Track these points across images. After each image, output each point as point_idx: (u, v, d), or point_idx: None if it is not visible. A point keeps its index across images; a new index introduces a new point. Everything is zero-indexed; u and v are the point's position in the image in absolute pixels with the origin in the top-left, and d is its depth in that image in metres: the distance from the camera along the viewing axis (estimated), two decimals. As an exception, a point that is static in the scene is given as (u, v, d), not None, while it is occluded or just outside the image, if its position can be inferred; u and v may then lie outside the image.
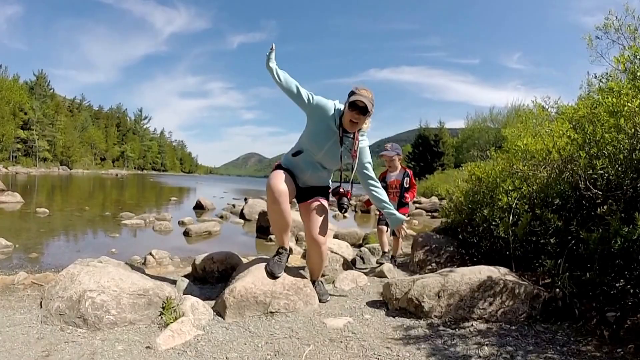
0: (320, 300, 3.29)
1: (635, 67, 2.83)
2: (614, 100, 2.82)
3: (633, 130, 2.76)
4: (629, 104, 2.75)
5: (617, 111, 2.79)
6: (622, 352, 2.25)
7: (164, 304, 2.76)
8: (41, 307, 2.58)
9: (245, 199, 18.13)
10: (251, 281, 3.05)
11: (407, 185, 4.92)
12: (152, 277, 3.77)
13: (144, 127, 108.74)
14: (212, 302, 3.19)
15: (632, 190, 2.81)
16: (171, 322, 2.55)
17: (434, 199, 18.99)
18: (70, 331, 2.40)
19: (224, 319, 2.82)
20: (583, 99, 4.00)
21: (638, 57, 2.91)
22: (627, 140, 2.81)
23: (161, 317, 2.67)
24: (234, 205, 13.73)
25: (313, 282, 3.42)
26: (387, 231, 4.91)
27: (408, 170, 5.01)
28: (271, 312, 2.93)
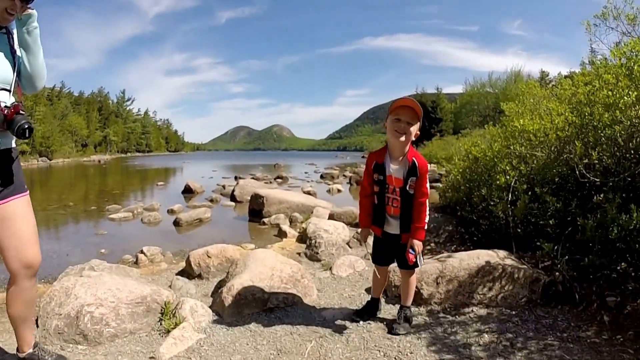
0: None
1: (632, 63, 2.78)
2: (609, 93, 2.80)
3: (629, 122, 2.75)
4: (625, 98, 2.74)
5: (612, 104, 2.78)
6: (621, 339, 2.30)
7: (163, 310, 2.74)
8: (37, 326, 2.52)
9: (236, 178, 18.06)
10: (249, 278, 3.05)
11: (412, 191, 2.48)
12: (147, 278, 3.75)
13: (127, 109, 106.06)
14: (210, 300, 3.18)
15: (629, 178, 2.81)
16: (172, 328, 2.55)
17: (433, 167, 18.89)
18: (71, 349, 2.37)
19: (223, 319, 2.81)
20: (583, 75, 3.97)
21: (635, 51, 2.86)
22: (624, 132, 2.80)
23: (161, 323, 2.65)
24: (224, 187, 13.63)
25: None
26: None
27: (417, 159, 2.47)
28: (270, 308, 2.93)
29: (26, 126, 1.84)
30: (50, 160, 54.13)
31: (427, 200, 2.51)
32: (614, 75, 3.06)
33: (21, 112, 1.86)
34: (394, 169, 2.52)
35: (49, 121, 60.39)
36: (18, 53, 1.96)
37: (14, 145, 1.99)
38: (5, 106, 1.84)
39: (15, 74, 1.94)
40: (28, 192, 2.04)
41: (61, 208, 9.93)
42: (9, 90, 1.93)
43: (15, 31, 1.97)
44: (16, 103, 1.89)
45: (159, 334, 2.57)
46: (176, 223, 7.50)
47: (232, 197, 10.73)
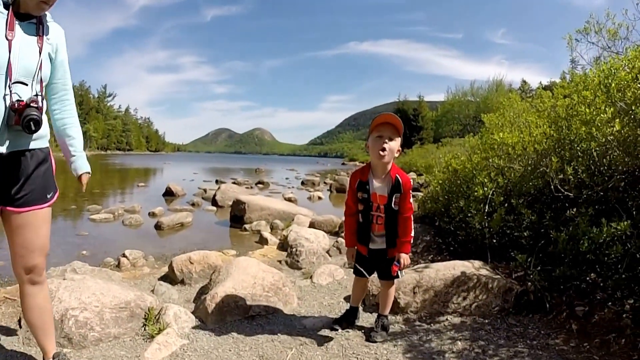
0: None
1: (610, 80, 2.92)
2: (587, 110, 2.96)
3: (604, 139, 2.91)
4: (602, 115, 2.89)
5: (589, 120, 2.93)
6: (588, 347, 2.46)
7: (146, 315, 2.79)
8: (20, 327, 2.55)
9: (217, 181, 18.04)
10: (231, 286, 3.12)
11: (397, 207, 2.55)
12: (129, 282, 3.76)
13: (108, 105, 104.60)
14: (193, 306, 3.23)
15: (602, 193, 2.98)
16: (155, 333, 2.60)
17: (412, 175, 18.99)
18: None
19: (206, 325, 2.88)
20: (562, 87, 4.14)
21: (614, 68, 3.01)
22: (599, 148, 2.98)
23: (144, 329, 2.70)
24: (205, 190, 13.58)
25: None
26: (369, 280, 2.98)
27: (400, 176, 2.55)
28: (252, 316, 3.01)
29: (30, 116, 1.64)
30: (28, 154, 52.83)
31: (412, 215, 2.61)
32: (592, 92, 3.21)
33: (32, 104, 1.67)
34: (377, 187, 2.57)
35: (27, 114, 59.06)
36: (47, 49, 1.83)
37: (35, 146, 1.85)
38: (17, 100, 1.67)
39: (38, 69, 1.78)
40: (51, 201, 1.99)
41: (40, 205, 9.71)
42: (28, 85, 1.76)
43: (50, 25, 1.85)
44: (32, 97, 1.73)
45: (143, 339, 2.62)
46: (158, 226, 7.46)
47: (214, 202, 10.70)
